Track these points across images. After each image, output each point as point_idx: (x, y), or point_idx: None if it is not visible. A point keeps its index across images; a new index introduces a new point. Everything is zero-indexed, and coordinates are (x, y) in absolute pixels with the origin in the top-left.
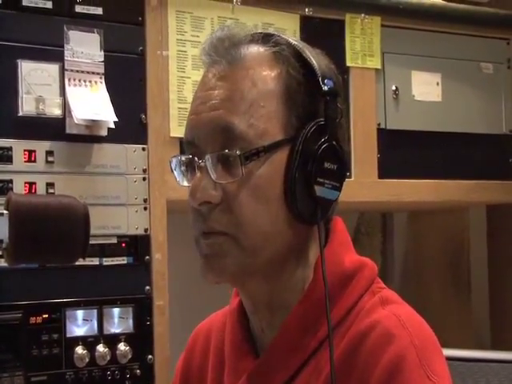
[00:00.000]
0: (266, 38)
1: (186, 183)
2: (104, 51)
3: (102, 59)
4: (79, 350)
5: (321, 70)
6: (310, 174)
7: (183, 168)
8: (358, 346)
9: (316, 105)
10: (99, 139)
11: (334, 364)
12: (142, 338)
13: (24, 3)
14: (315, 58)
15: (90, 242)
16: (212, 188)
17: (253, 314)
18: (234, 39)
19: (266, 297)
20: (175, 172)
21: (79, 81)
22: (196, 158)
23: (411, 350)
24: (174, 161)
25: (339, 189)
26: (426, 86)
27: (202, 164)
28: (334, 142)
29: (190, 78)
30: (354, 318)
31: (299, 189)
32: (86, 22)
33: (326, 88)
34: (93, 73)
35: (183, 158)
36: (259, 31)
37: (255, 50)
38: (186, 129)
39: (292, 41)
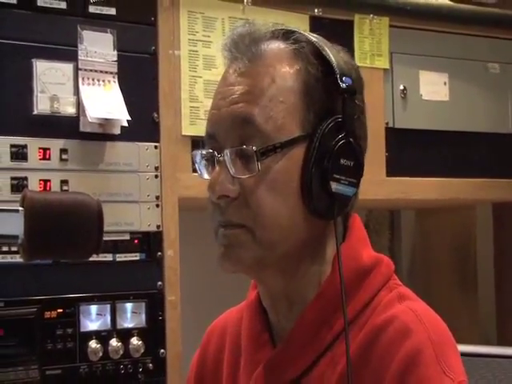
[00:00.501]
0: (286, 35)
1: (206, 176)
2: (117, 51)
3: (115, 59)
4: (93, 344)
5: (339, 68)
6: (327, 170)
7: (204, 162)
8: (375, 339)
9: (334, 102)
10: (112, 137)
11: (350, 357)
12: (154, 332)
13: (39, 4)
14: (335, 56)
15: (104, 239)
16: (230, 182)
17: (270, 307)
18: (255, 35)
19: (283, 290)
20: (197, 165)
21: (93, 80)
22: (215, 153)
23: (428, 345)
24: (198, 154)
25: (356, 185)
26: (433, 86)
27: (221, 158)
28: (351, 139)
29: (201, 77)
30: (371, 312)
31: (315, 184)
32: (100, 22)
33: (343, 85)
34: (106, 72)
35: (204, 152)
36: (280, 28)
37: (275, 46)
38: (207, 123)
39: (312, 38)
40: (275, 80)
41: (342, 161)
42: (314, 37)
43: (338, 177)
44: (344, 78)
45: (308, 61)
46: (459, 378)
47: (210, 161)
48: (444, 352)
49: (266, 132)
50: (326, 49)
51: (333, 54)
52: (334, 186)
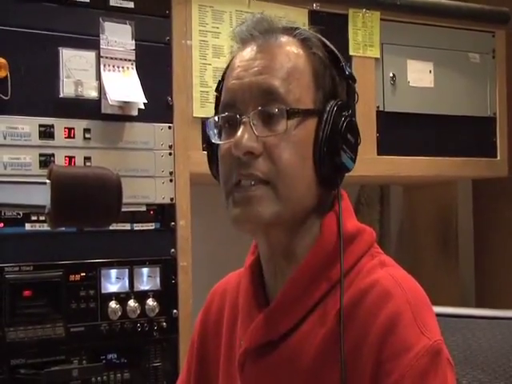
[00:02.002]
0: (295, 29)
1: (219, 141)
2: (135, 40)
3: (134, 47)
4: (113, 304)
5: (342, 59)
6: (338, 141)
7: (217, 130)
8: (359, 302)
9: (337, 87)
10: (130, 118)
11: (343, 308)
12: (167, 294)
13: None
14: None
15: (122, 210)
16: (254, 140)
17: (269, 261)
18: (271, 24)
19: (284, 247)
20: (211, 131)
21: (113, 66)
22: (238, 116)
23: (406, 308)
24: (212, 122)
25: (354, 161)
26: (419, 74)
27: (246, 119)
28: (354, 118)
29: (210, 64)
30: (355, 276)
31: (327, 154)
32: (120, 15)
33: (348, 72)
34: (125, 59)
35: (223, 116)
36: (288, 24)
37: (287, 36)
38: (225, 93)
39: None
40: (291, 59)
41: (349, 136)
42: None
43: (345, 149)
44: (347, 67)
45: (317, 49)
46: (435, 338)
47: (231, 124)
48: (421, 314)
49: (287, 101)
50: (329, 43)
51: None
52: (343, 157)
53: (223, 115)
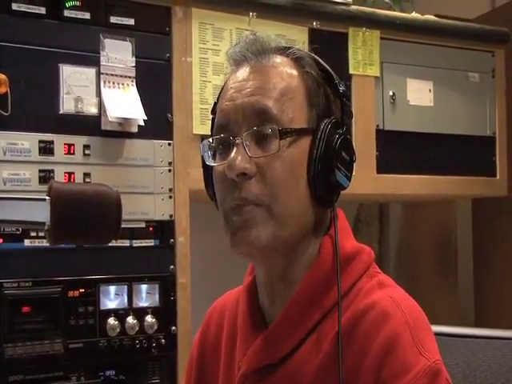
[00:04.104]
0: (288, 49)
1: (213, 163)
2: (135, 57)
3: (134, 64)
4: (111, 321)
5: (335, 77)
6: (332, 159)
7: (211, 152)
8: (358, 323)
9: (331, 105)
10: (130, 135)
11: (341, 330)
12: (166, 311)
13: (65, 14)
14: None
15: (122, 226)
16: (247, 162)
17: (266, 285)
18: (264, 45)
19: (281, 270)
20: (205, 154)
21: (113, 83)
22: (231, 137)
23: (405, 329)
24: (206, 144)
25: (349, 179)
26: (419, 93)
27: (239, 141)
28: (349, 136)
29: (210, 82)
30: (354, 297)
31: (321, 172)
32: (120, 32)
33: (341, 90)
34: (125, 76)
35: (217, 138)
36: (281, 44)
37: (280, 56)
38: (219, 115)
39: (309, 52)
40: (284, 79)
41: (343, 154)
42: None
43: (340, 167)
44: (341, 84)
45: (310, 68)
46: (434, 358)
47: (224, 146)
48: (420, 335)
49: (281, 121)
50: (322, 61)
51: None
52: (338, 175)
53: (217, 137)
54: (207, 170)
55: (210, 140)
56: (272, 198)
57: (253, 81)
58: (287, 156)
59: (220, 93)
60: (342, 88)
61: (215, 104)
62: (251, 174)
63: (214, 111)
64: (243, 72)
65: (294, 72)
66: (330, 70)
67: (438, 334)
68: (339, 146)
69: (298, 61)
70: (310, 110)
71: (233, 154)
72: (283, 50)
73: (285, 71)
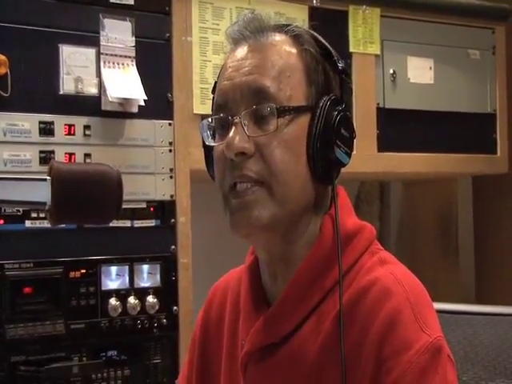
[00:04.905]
0: (286, 26)
1: (213, 143)
2: (135, 37)
3: (134, 44)
4: (113, 301)
5: (334, 53)
6: (331, 137)
7: (210, 131)
8: (359, 300)
9: (330, 82)
10: (131, 115)
11: (342, 308)
12: (168, 291)
13: None
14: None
15: (123, 206)
16: (246, 141)
17: (268, 266)
18: (261, 23)
19: (282, 252)
20: (205, 133)
21: (113, 63)
22: (229, 117)
23: (407, 305)
24: (205, 124)
25: (349, 155)
26: (420, 70)
27: (237, 120)
28: (348, 113)
29: (210, 61)
30: (355, 274)
31: (320, 150)
32: (120, 12)
33: (341, 66)
34: (125, 56)
35: (217, 117)
36: (280, 22)
37: (279, 34)
38: (217, 95)
39: (307, 29)
40: (282, 57)
41: (343, 131)
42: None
43: (339, 143)
44: (340, 61)
45: (309, 45)
46: (435, 334)
47: (221, 126)
48: (421, 311)
49: (278, 99)
50: (321, 38)
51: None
52: (337, 152)
53: (216, 117)
54: (208, 150)
55: (210, 120)
56: (272, 176)
57: (251, 59)
58: (286, 134)
59: (220, 72)
60: (340, 65)
61: (215, 83)
62: (250, 153)
63: (214, 90)
64: (241, 51)
65: (293, 50)
66: (329, 46)
67: (439, 311)
68: (338, 123)
69: (296, 38)
70: (308, 88)
71: (231, 133)
72: (282, 28)
73: (283, 49)
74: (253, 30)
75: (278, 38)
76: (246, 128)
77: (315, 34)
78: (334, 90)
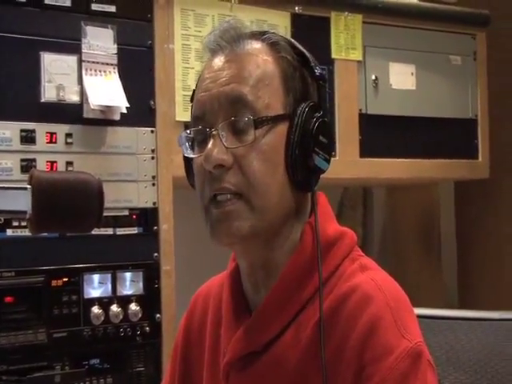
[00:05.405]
0: (263, 34)
1: (192, 155)
2: (117, 44)
3: (115, 52)
4: (95, 309)
5: (312, 59)
6: (310, 143)
7: (189, 143)
8: (340, 307)
9: (308, 88)
10: (113, 123)
11: (323, 317)
12: (151, 299)
13: (46, 1)
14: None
15: (105, 214)
16: (224, 153)
17: (249, 275)
18: (238, 31)
19: (263, 261)
20: (183, 146)
21: (95, 71)
22: (207, 129)
23: (387, 311)
24: (184, 136)
25: (329, 161)
26: (401, 76)
27: (215, 132)
28: (326, 119)
29: (193, 68)
30: (336, 281)
31: (299, 157)
32: (101, 19)
33: (318, 73)
34: (107, 64)
35: (194, 130)
36: (256, 29)
37: (255, 42)
38: (195, 107)
39: (284, 36)
40: (259, 66)
41: (321, 137)
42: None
43: (317, 150)
44: (317, 67)
45: (286, 52)
46: (415, 340)
47: (199, 138)
48: (401, 317)
49: (256, 108)
50: (298, 44)
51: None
52: (316, 159)
53: (194, 129)
54: (188, 161)
55: (188, 131)
56: (250, 188)
57: (228, 70)
58: (264, 145)
59: (197, 82)
60: (318, 71)
61: (194, 92)
62: (228, 165)
63: (192, 99)
64: (218, 61)
65: (270, 58)
66: (306, 53)
67: (420, 317)
68: (316, 130)
69: (273, 46)
70: (286, 95)
71: (209, 145)
72: (258, 36)
73: (260, 57)
74: (229, 40)
75: (254, 46)
76: (224, 139)
77: (292, 40)
78: (312, 96)
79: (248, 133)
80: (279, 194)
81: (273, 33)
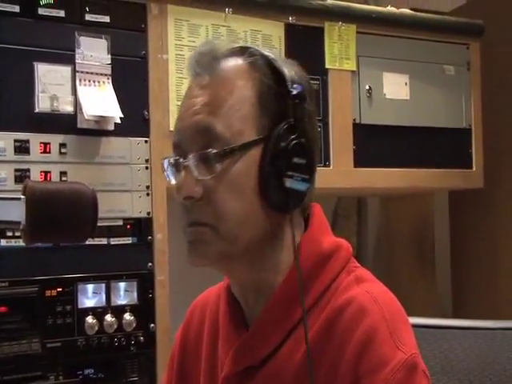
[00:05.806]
0: (242, 51)
1: (173, 181)
2: (111, 55)
3: (109, 62)
4: (89, 319)
5: (290, 77)
6: (281, 168)
7: (172, 168)
8: (335, 320)
9: (286, 107)
10: (107, 133)
11: (308, 341)
12: (145, 308)
13: (40, 12)
14: (287, 67)
15: (99, 224)
16: (194, 185)
17: (240, 296)
18: (215, 53)
19: (250, 280)
20: (166, 172)
21: (89, 81)
22: (181, 159)
23: (382, 323)
24: (166, 162)
25: (309, 181)
26: (395, 86)
27: (186, 163)
28: (303, 140)
29: (187, 78)
30: (332, 294)
31: (272, 181)
32: (95, 29)
33: (294, 92)
34: (101, 74)
35: (171, 160)
36: (237, 45)
37: (233, 61)
38: (173, 134)
39: (265, 52)
40: (233, 91)
41: (295, 159)
42: (267, 51)
43: (291, 174)
44: (295, 86)
45: (262, 72)
46: (411, 351)
47: (177, 167)
48: (397, 329)
49: (225, 138)
50: (278, 61)
51: (285, 66)
52: (288, 182)
53: (170, 158)
54: None
55: (170, 159)
56: (218, 220)
57: (200, 97)
58: (233, 174)
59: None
60: (295, 91)
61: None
62: (198, 196)
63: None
64: (194, 88)
65: (244, 80)
66: (284, 71)
67: (415, 326)
68: (290, 152)
69: (250, 66)
70: (261, 118)
71: (181, 177)
72: (236, 54)
73: (233, 81)
74: (205, 66)
75: (230, 68)
76: (194, 171)
77: (271, 57)
78: (290, 115)
79: (215, 164)
80: (252, 220)
81: (253, 50)
